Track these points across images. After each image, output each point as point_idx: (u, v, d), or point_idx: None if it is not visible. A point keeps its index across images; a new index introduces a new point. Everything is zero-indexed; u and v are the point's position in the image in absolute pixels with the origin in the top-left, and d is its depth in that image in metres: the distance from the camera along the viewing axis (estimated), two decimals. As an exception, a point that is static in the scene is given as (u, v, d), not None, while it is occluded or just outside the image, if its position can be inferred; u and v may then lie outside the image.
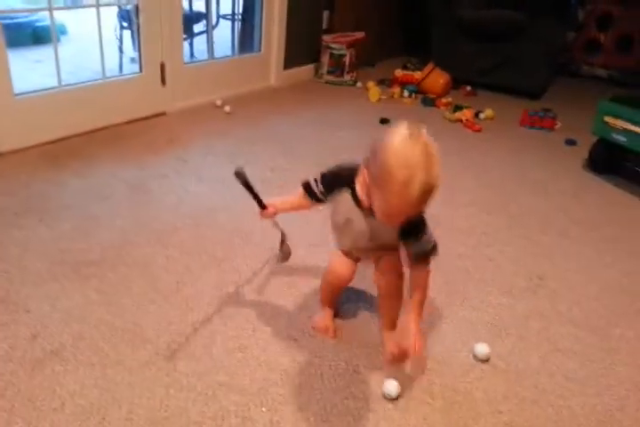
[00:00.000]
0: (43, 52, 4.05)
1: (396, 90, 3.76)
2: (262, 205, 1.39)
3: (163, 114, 2.99)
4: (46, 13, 2.55)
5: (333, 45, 3.87)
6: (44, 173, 2.24)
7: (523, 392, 1.34)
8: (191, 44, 3.95)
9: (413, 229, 1.24)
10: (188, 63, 3.25)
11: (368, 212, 1.23)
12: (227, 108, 3.13)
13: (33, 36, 4.41)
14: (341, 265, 1.41)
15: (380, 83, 3.92)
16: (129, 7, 3.08)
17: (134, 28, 2.93)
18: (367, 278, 1.55)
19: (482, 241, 2.02)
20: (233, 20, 3.81)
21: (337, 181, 1.29)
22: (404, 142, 1.08)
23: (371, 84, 3.81)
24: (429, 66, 3.85)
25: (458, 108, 3.45)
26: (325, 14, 3.98)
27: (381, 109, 3.41)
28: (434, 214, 2.17)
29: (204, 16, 3.65)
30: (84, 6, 2.72)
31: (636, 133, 2.46)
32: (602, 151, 2.71)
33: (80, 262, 1.69)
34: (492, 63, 3.91)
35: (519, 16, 3.79)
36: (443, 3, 4.05)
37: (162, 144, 2.63)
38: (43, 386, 1.24)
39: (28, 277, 1.60)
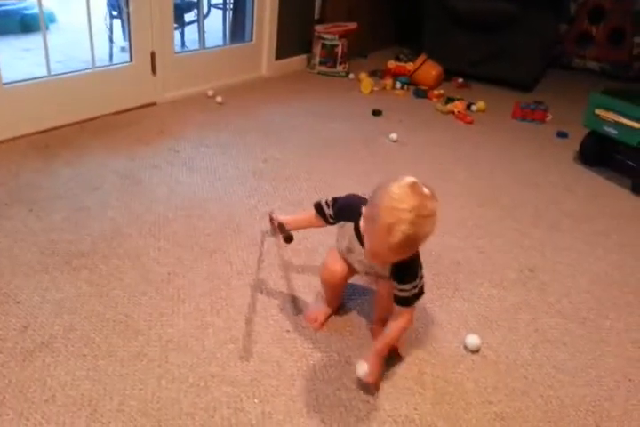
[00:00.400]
0: (31, 41, 4.01)
1: (389, 81, 3.75)
2: (285, 234, 1.42)
3: (153, 104, 2.97)
4: (35, 1, 2.51)
5: (326, 36, 3.84)
6: (34, 162, 2.22)
7: (513, 383, 1.36)
8: (182, 34, 3.91)
9: (403, 271, 1.26)
10: (178, 53, 3.22)
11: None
12: (218, 99, 3.11)
13: (21, 24, 4.34)
14: (335, 262, 1.42)
15: (373, 74, 3.90)
16: (119, -5, 3.05)
17: (124, 16, 2.90)
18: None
19: (473, 233, 2.03)
20: (224, 10, 3.78)
21: (346, 210, 1.32)
22: (402, 190, 1.10)
23: (363, 75, 3.80)
24: (422, 57, 3.84)
25: (450, 100, 3.45)
26: (317, 4, 3.95)
27: (373, 101, 3.41)
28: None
29: (196, 5, 3.62)
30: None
31: (626, 126, 2.47)
32: (593, 144, 2.72)
33: (71, 253, 1.68)
34: (484, 55, 3.91)
35: (512, 7, 3.78)
36: (435, -7, 4.03)
37: (153, 134, 2.61)
38: (34, 377, 1.24)
39: (19, 268, 1.59)
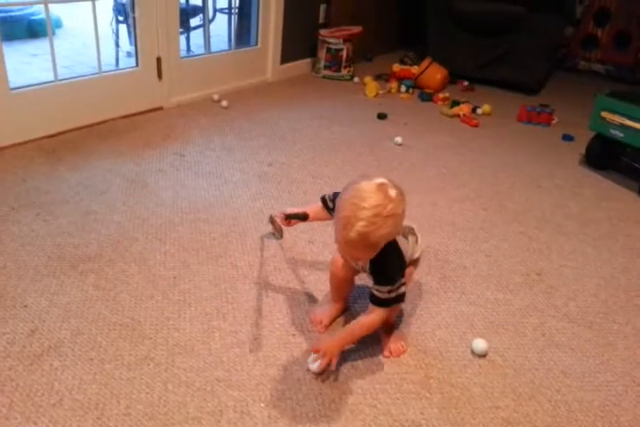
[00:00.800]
0: (38, 46, 4.04)
1: (394, 85, 3.75)
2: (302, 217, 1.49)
3: (159, 108, 2.98)
4: (41, 7, 2.53)
5: (330, 40, 3.85)
6: (41, 167, 2.23)
7: (520, 388, 1.35)
8: (188, 38, 3.93)
9: (378, 272, 1.28)
10: (184, 57, 3.22)
11: None
12: (224, 103, 3.12)
13: (28, 29, 4.38)
14: (339, 257, 1.43)
15: (378, 77, 3.90)
16: (125, 0, 3.06)
17: (130, 21, 2.91)
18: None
19: (479, 237, 2.02)
20: (229, 14, 3.80)
21: None
22: (369, 187, 1.14)
23: (368, 78, 3.80)
24: (427, 61, 3.84)
25: (455, 103, 3.45)
26: (322, 8, 3.96)
27: (378, 104, 3.41)
28: (431, 210, 2.18)
29: (201, 10, 3.63)
30: (79, -1, 2.71)
31: (633, 129, 2.46)
32: (599, 147, 2.71)
33: (77, 257, 1.69)
34: (490, 58, 3.90)
35: (517, 10, 3.78)
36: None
37: (159, 139, 2.62)
38: (41, 381, 1.24)
39: (26, 273, 1.60)
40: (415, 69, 3.87)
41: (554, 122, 3.36)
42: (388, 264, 1.26)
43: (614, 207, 2.36)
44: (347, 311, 1.55)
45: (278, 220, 1.58)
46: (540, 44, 3.80)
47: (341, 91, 3.69)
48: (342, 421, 1.21)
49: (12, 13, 4.30)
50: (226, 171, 2.36)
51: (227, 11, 3.88)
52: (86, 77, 2.69)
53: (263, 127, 2.89)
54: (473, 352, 1.44)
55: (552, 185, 2.53)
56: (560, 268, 1.87)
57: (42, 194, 2.03)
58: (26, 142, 2.42)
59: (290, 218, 1.51)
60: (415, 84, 3.77)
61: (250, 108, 3.15)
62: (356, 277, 1.53)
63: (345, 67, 3.92)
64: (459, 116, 3.31)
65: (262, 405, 1.23)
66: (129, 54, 3.34)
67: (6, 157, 2.29)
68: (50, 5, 2.48)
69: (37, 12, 4.39)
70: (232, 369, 1.32)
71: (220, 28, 3.91)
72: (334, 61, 3.90)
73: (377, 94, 3.61)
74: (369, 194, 1.12)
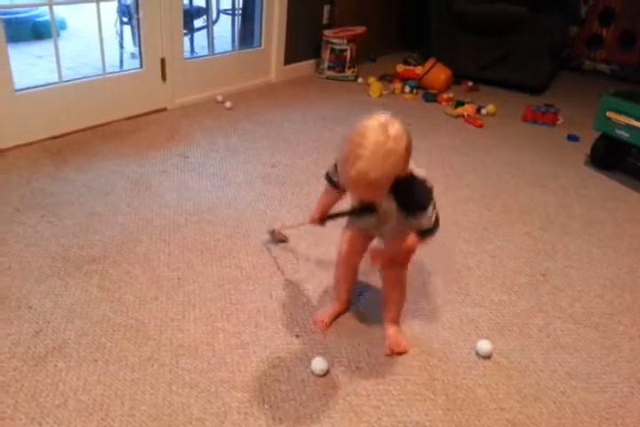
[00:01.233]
0: (43, 48, 4.05)
1: (398, 85, 3.74)
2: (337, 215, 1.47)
3: (163, 110, 2.99)
4: (46, 8, 2.53)
5: (334, 40, 3.84)
6: (45, 168, 2.24)
7: (525, 389, 1.35)
8: (191, 40, 3.93)
9: (406, 201, 1.23)
10: (188, 59, 3.23)
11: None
12: (227, 104, 3.12)
13: (33, 31, 4.39)
14: (351, 239, 1.44)
15: (382, 78, 3.90)
16: (129, 2, 3.07)
17: (134, 23, 2.91)
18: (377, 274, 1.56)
19: (483, 237, 2.02)
20: (233, 15, 3.80)
21: None
22: (371, 124, 1.14)
23: (372, 79, 3.80)
24: (430, 61, 3.83)
25: (459, 103, 3.44)
26: (326, 9, 3.96)
27: (382, 105, 3.40)
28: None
29: (205, 11, 3.63)
30: (83, 1, 2.70)
31: (638, 129, 2.45)
32: (604, 147, 2.70)
33: (82, 259, 1.69)
34: (493, 58, 3.89)
35: (521, 10, 3.77)
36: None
37: (162, 140, 2.62)
38: (46, 382, 1.24)
39: (31, 274, 1.60)
40: (419, 70, 3.86)
41: (559, 122, 3.35)
42: (415, 193, 1.22)
43: (619, 208, 2.35)
44: (351, 312, 1.55)
45: (277, 227, 1.59)
46: (542, 44, 3.78)
47: (345, 91, 3.69)
48: (346, 422, 1.21)
49: (18, 15, 4.32)
50: (229, 172, 2.36)
51: (230, 12, 3.88)
52: (90, 79, 2.70)
53: (267, 128, 2.89)
54: (477, 354, 1.44)
55: (557, 185, 2.52)
56: (565, 268, 1.87)
57: (46, 195, 2.03)
58: (30, 144, 2.42)
59: (330, 219, 1.49)
60: (419, 85, 3.76)
61: (253, 109, 3.15)
62: (356, 278, 1.53)
63: (349, 67, 3.92)
64: (463, 116, 3.31)
65: (266, 406, 1.23)
66: (133, 55, 3.34)
67: (11, 159, 2.29)
68: (54, 7, 2.49)
69: (42, 13, 4.40)
70: (236, 370, 1.32)
71: (224, 30, 3.91)
72: (338, 62, 3.89)
73: (381, 95, 3.61)
74: (369, 131, 1.12)
